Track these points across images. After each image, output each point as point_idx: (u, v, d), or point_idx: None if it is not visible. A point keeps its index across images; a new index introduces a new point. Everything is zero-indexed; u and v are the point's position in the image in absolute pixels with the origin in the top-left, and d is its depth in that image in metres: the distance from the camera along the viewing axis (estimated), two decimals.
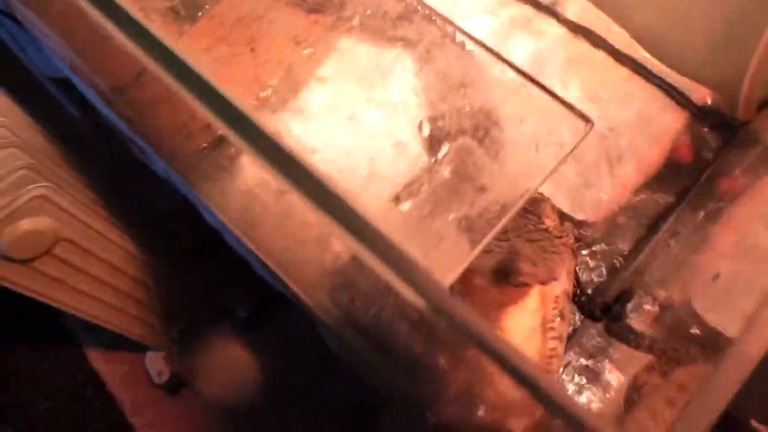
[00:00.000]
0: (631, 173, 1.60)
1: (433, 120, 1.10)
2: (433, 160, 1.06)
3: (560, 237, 0.98)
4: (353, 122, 1.02)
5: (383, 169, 1.01)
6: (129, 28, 0.57)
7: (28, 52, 1.70)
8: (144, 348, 2.06)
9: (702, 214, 1.43)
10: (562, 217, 1.55)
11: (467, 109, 0.99)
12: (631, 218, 1.55)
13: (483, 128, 0.99)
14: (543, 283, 0.94)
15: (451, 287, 1.38)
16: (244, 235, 0.94)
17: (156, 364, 2.07)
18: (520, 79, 1.00)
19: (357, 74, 1.11)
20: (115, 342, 2.11)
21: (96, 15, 0.59)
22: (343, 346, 1.11)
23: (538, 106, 0.94)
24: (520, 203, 0.83)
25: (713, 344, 1.23)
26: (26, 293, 1.38)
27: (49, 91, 1.82)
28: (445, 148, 1.01)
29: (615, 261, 1.46)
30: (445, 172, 1.01)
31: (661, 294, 1.27)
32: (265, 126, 0.51)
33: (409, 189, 1.03)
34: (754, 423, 0.96)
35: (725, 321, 1.22)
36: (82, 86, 1.34)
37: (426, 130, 1.05)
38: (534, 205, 0.99)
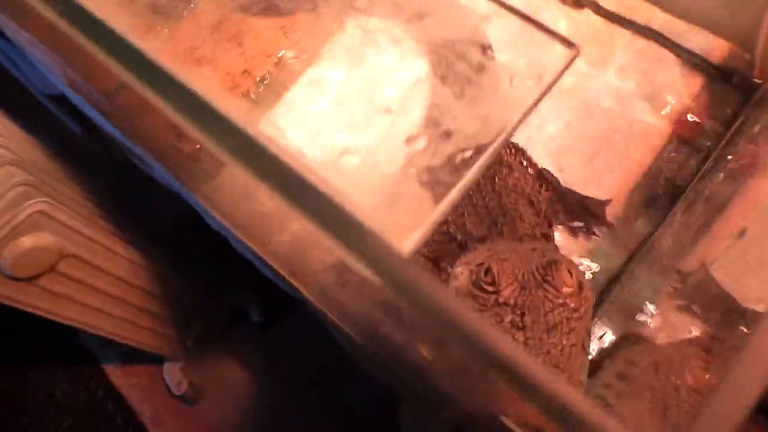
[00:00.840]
0: (645, 145, 1.56)
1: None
2: (386, 108, 0.97)
3: (577, 310, 0.92)
4: (338, 100, 0.96)
5: (332, 124, 0.93)
6: (102, 37, 0.54)
7: (24, 71, 1.69)
8: (161, 359, 2.05)
9: (721, 177, 1.38)
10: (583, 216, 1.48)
11: (426, 42, 0.89)
12: (646, 193, 1.51)
13: (445, 64, 0.90)
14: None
15: (423, 256, 1.33)
16: (239, 232, 0.91)
17: (174, 374, 2.05)
18: (491, 5, 0.86)
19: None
20: (131, 355, 2.10)
21: (74, 33, 0.56)
22: (347, 341, 1.08)
23: (511, 35, 0.83)
24: (496, 145, 0.69)
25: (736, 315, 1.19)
26: (35, 312, 1.36)
27: (48, 109, 1.81)
28: (399, 93, 0.91)
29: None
30: (402, 121, 0.93)
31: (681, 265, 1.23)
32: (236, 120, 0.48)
33: (359, 142, 0.96)
34: None
35: (746, 288, 1.18)
36: (75, 97, 1.32)
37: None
38: (551, 272, 0.93)
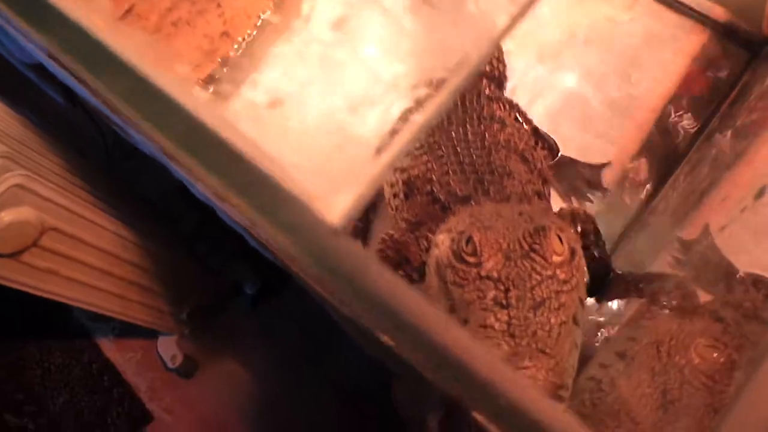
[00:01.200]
0: (646, 105, 1.50)
1: None
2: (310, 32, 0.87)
3: (568, 281, 0.84)
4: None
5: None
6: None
7: (2, 40, 1.63)
8: (155, 333, 2.03)
9: (728, 135, 1.33)
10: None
11: None
12: (650, 155, 1.46)
13: None
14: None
15: (404, 220, 1.26)
16: (218, 200, 0.87)
17: (168, 348, 2.04)
18: None
19: None
20: (125, 329, 2.08)
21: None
22: (337, 314, 1.05)
23: None
24: (456, 81, 0.58)
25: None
26: (20, 288, 1.33)
27: (28, 79, 1.75)
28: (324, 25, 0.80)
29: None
30: (337, 52, 0.84)
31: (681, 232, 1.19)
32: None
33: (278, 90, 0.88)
34: None
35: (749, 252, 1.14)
36: (54, 68, 1.26)
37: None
38: (539, 240, 0.85)
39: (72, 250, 1.36)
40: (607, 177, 1.42)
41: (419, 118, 0.53)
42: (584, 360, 1.06)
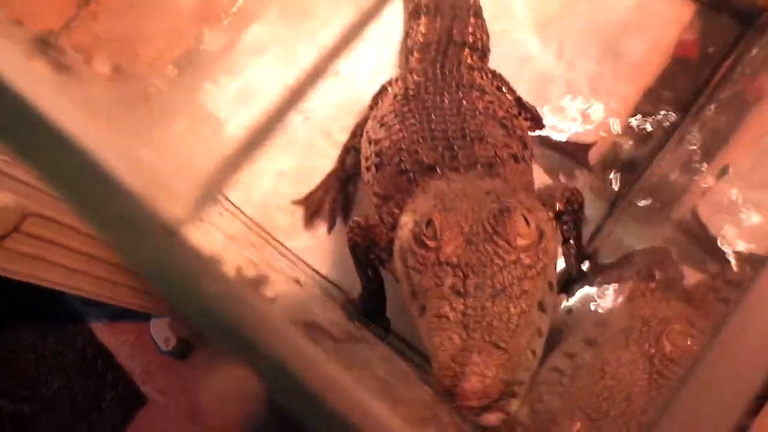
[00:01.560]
0: (636, 78, 1.48)
1: None
2: None
3: (533, 266, 0.79)
4: None
5: None
6: None
7: None
8: (148, 316, 2.03)
9: (713, 108, 1.31)
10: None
11: None
12: (636, 131, 1.44)
13: None
14: None
15: (375, 194, 1.24)
16: None
17: (161, 331, 2.03)
18: None
19: None
20: (119, 313, 2.07)
21: None
22: None
23: None
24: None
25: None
26: (5, 275, 1.31)
27: None
28: None
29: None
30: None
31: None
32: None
33: None
34: None
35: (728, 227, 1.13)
36: None
37: None
38: (503, 222, 0.80)
39: (56, 235, 1.34)
40: (595, 152, 1.40)
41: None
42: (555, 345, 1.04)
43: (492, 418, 0.71)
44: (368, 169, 1.29)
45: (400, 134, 1.21)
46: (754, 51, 1.32)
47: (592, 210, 1.34)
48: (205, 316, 0.34)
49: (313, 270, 1.64)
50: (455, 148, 1.13)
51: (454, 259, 0.78)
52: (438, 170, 1.09)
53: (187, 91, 1.73)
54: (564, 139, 1.42)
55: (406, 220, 0.89)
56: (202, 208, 0.45)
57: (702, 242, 1.13)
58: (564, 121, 1.47)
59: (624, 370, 0.91)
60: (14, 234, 1.25)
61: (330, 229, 1.66)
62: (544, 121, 1.41)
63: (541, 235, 0.84)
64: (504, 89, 1.39)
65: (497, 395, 0.70)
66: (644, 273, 1.06)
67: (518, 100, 1.39)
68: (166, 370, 2.04)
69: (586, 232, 1.27)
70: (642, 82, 1.46)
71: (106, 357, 2.10)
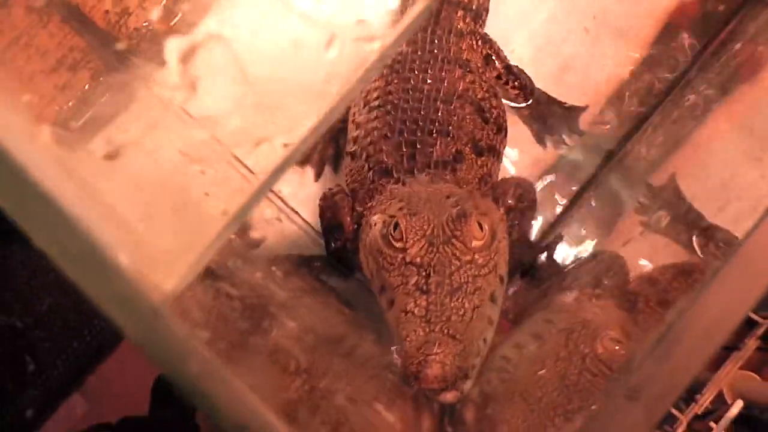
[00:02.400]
0: (626, 49, 1.47)
1: None
2: None
3: (486, 265, 0.91)
4: None
5: None
6: None
7: None
8: None
9: (706, 85, 1.33)
10: None
11: None
12: (625, 100, 1.45)
13: None
14: None
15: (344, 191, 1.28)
16: None
17: None
18: None
19: None
20: None
21: None
22: None
23: None
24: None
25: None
26: None
27: None
28: None
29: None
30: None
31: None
32: None
33: None
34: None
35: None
36: None
37: None
38: (460, 226, 0.91)
39: None
40: (584, 119, 1.42)
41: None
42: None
43: (449, 396, 0.87)
44: (347, 154, 1.33)
45: (375, 123, 1.24)
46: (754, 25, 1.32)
47: (582, 170, 1.37)
48: (191, 394, 0.37)
49: (297, 214, 1.67)
50: (417, 145, 1.18)
51: (418, 260, 0.89)
52: (394, 174, 1.15)
53: None
54: (555, 101, 1.43)
55: (375, 220, 0.98)
56: None
57: (673, 205, 1.20)
58: (556, 80, 1.48)
59: (560, 364, 1.01)
60: None
61: (317, 176, 1.69)
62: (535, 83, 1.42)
63: (493, 236, 0.95)
64: (493, 57, 1.39)
65: (454, 379, 0.85)
66: (593, 279, 1.16)
67: (507, 68, 1.39)
68: None
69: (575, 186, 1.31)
70: (636, 47, 1.46)
71: None
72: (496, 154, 1.26)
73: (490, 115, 1.29)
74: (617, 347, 1.03)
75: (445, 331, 0.85)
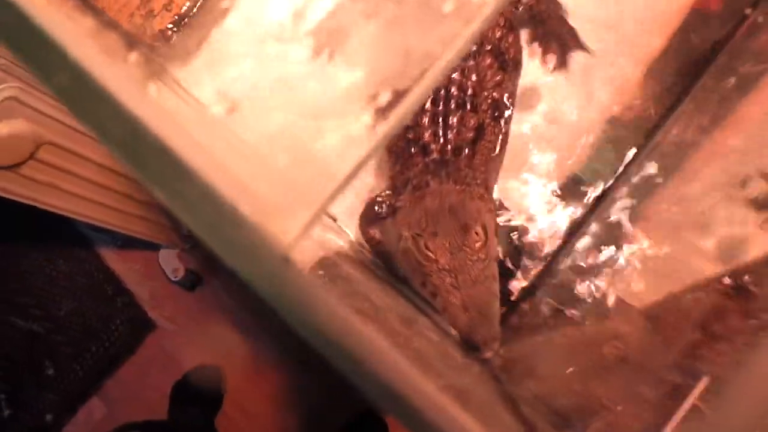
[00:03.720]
0: (657, 32, 1.43)
1: None
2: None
3: (487, 257, 1.19)
4: None
5: None
6: None
7: None
8: (156, 246, 2.07)
9: (732, 80, 1.29)
10: None
11: None
12: (657, 85, 1.41)
13: None
14: None
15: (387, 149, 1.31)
16: None
17: (170, 261, 2.08)
18: None
19: None
20: (128, 241, 2.12)
21: None
22: None
23: None
24: (418, 91, 0.54)
25: None
26: (21, 200, 1.34)
27: None
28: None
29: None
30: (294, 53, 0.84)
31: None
32: None
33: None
34: None
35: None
36: None
37: None
38: (467, 238, 1.18)
39: (69, 164, 1.36)
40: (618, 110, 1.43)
41: (382, 129, 0.49)
42: None
43: (489, 354, 1.15)
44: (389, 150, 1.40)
45: (416, 124, 1.34)
46: None
47: (615, 153, 1.37)
48: (323, 346, 0.36)
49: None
50: (448, 165, 1.31)
51: (447, 266, 1.18)
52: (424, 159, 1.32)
53: None
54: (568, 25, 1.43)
55: (406, 236, 1.23)
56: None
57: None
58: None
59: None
60: (31, 161, 1.26)
61: None
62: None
63: (486, 234, 1.21)
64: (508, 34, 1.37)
65: (493, 345, 1.15)
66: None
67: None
68: (174, 298, 2.11)
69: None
70: (665, 31, 1.43)
71: (115, 282, 2.16)
72: (483, 143, 1.35)
73: (508, 55, 1.37)
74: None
75: (478, 312, 1.14)
